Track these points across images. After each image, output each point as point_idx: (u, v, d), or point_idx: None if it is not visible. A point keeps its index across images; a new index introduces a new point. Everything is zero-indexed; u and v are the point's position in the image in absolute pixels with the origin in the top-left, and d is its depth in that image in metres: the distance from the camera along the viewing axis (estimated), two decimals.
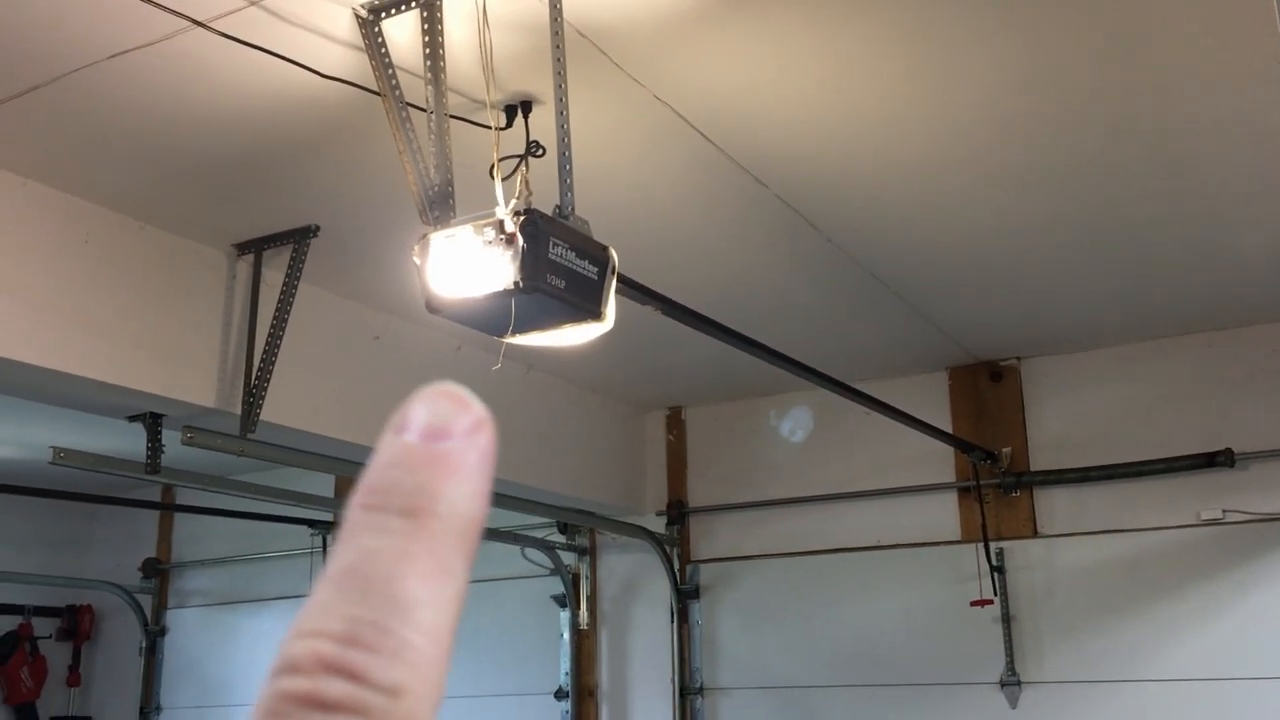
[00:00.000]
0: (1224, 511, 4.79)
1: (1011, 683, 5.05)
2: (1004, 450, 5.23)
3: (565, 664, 6.06)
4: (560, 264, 2.27)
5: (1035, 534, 5.17)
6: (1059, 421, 5.23)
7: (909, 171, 3.46)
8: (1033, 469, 5.21)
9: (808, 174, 3.44)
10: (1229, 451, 4.77)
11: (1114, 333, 5.04)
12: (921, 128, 3.20)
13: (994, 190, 3.60)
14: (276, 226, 3.74)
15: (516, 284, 2.21)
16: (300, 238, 3.74)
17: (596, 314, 2.36)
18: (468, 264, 2.28)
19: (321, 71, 2.68)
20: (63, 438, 4.27)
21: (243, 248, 3.86)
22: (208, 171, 3.33)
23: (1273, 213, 3.80)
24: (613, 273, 2.41)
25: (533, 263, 2.20)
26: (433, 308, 2.35)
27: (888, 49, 2.80)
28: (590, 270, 2.34)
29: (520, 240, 2.21)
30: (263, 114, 2.98)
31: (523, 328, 2.35)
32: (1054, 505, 5.17)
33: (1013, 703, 5.04)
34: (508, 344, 2.48)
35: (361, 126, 3.05)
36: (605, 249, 2.41)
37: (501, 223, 2.24)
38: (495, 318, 2.33)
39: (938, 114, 3.12)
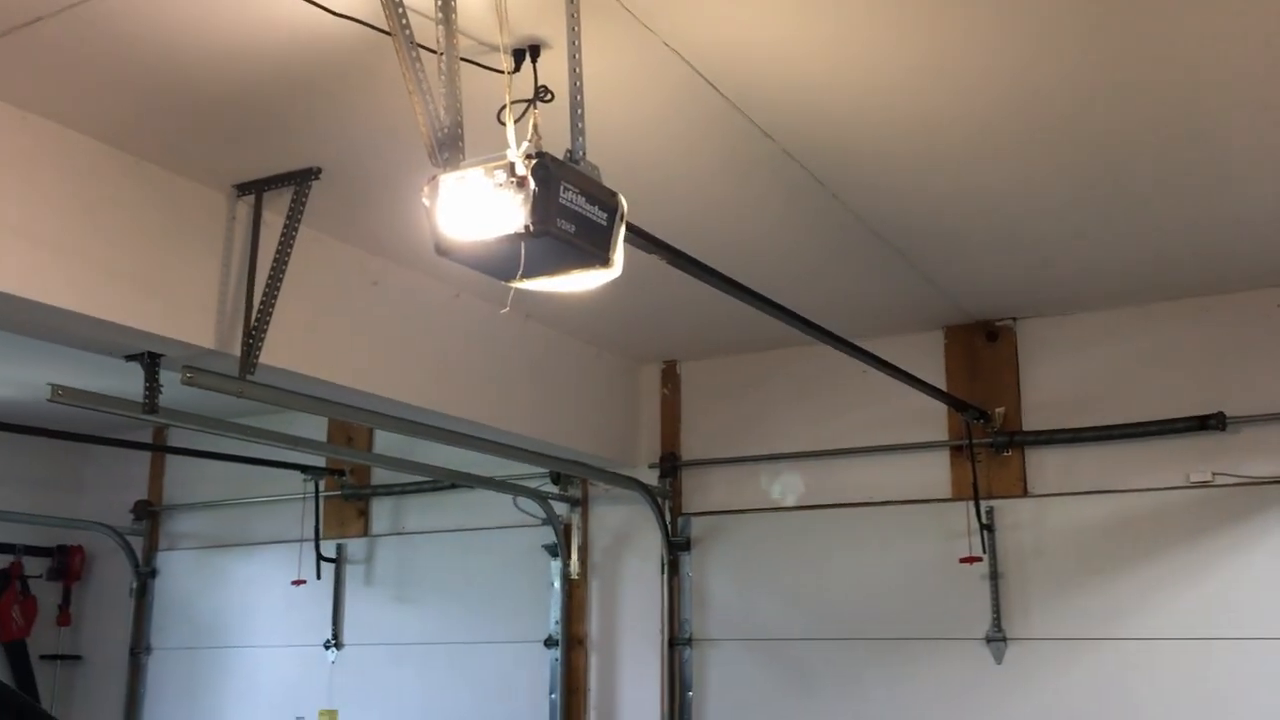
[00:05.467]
0: (1213, 474, 4.84)
1: (997, 638, 5.11)
2: (997, 410, 5.26)
3: (555, 613, 6.11)
4: (570, 209, 2.26)
5: (1025, 493, 5.22)
6: (1052, 382, 5.26)
7: (915, 129, 3.45)
8: (1025, 429, 5.24)
9: (814, 129, 3.43)
10: (1220, 415, 4.81)
11: (1110, 296, 5.06)
12: (929, 86, 3.18)
13: (997, 150, 3.59)
14: (278, 168, 3.71)
15: (527, 227, 2.21)
16: (302, 180, 3.72)
17: (605, 260, 2.36)
18: (477, 206, 2.27)
19: (331, 9, 2.65)
20: (56, 377, 4.24)
21: (243, 189, 3.83)
22: (210, 110, 3.30)
23: (1270, 177, 3.80)
24: (621, 219, 2.41)
25: (543, 206, 2.20)
26: (441, 250, 2.35)
27: (896, 4, 2.78)
28: (600, 216, 2.34)
29: (531, 183, 2.20)
30: (268, 52, 2.95)
31: (531, 272, 2.35)
32: (1045, 465, 5.21)
33: (998, 658, 5.11)
34: (514, 289, 2.48)
35: (367, 68, 3.02)
36: (615, 195, 2.40)
37: (512, 165, 2.23)
38: (504, 261, 2.32)
39: (945, 73, 3.11)
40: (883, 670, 5.35)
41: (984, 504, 5.20)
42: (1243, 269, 4.71)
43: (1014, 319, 5.37)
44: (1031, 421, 5.25)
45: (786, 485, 5.71)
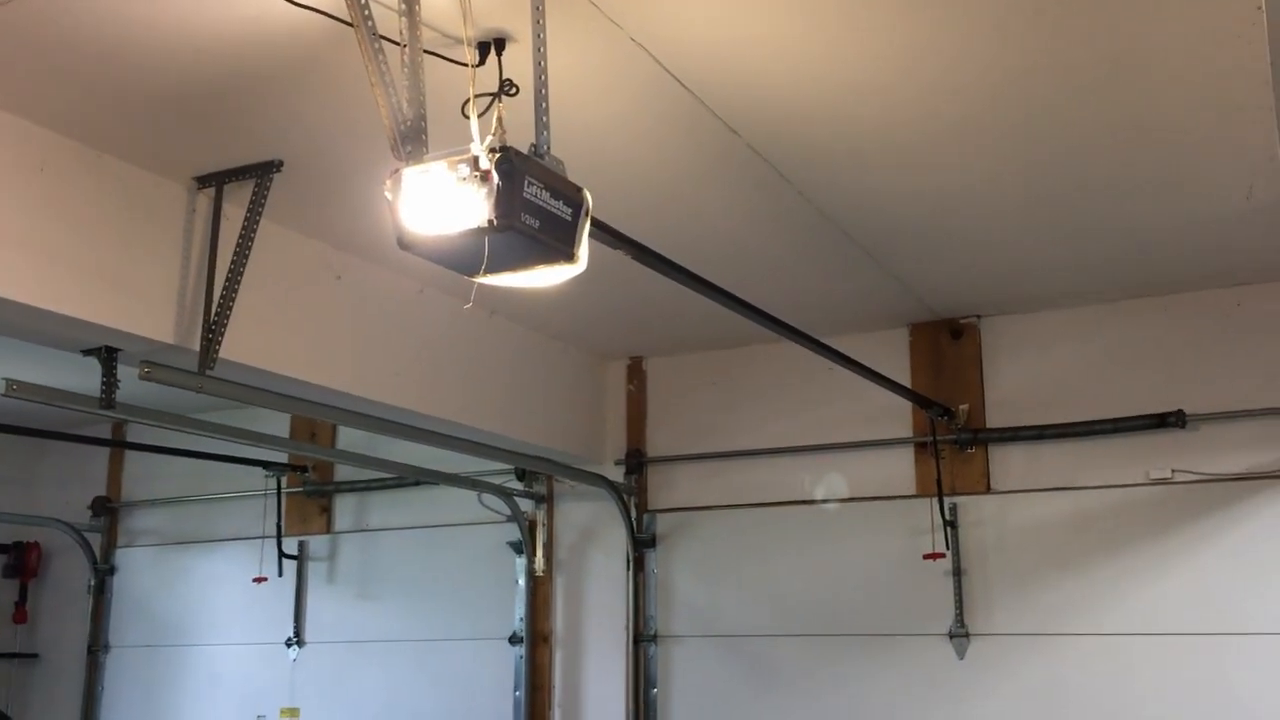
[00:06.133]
0: (1173, 471, 4.89)
1: (960, 634, 5.14)
2: (961, 407, 5.29)
3: (520, 610, 6.09)
4: (535, 203, 2.24)
5: (988, 490, 5.25)
6: (1016, 380, 5.30)
7: (880, 127, 3.45)
8: (988, 426, 5.28)
9: (780, 125, 3.43)
10: (1180, 413, 4.86)
11: (1073, 293, 5.10)
12: (894, 85, 3.19)
13: (962, 149, 3.60)
14: (239, 160, 3.66)
15: (490, 222, 2.18)
16: (263, 172, 3.67)
17: (569, 255, 2.35)
18: (441, 201, 2.25)
19: None
20: (11, 371, 4.17)
21: (203, 181, 3.78)
22: (169, 101, 3.25)
23: (1233, 178, 3.84)
24: (586, 214, 2.39)
25: (507, 201, 2.18)
26: (404, 244, 2.32)
27: (863, 6, 2.77)
28: (564, 211, 2.32)
29: (495, 178, 2.18)
30: (228, 43, 2.91)
31: (495, 267, 2.33)
32: (1008, 462, 5.25)
33: (960, 653, 5.14)
34: (478, 284, 2.46)
35: (330, 60, 2.99)
36: (580, 190, 2.38)
37: (476, 159, 2.21)
38: (467, 256, 2.30)
39: (910, 72, 3.11)
40: (846, 666, 5.37)
41: (948, 500, 5.23)
42: (1204, 268, 4.76)
43: (978, 317, 5.40)
44: (995, 419, 5.29)
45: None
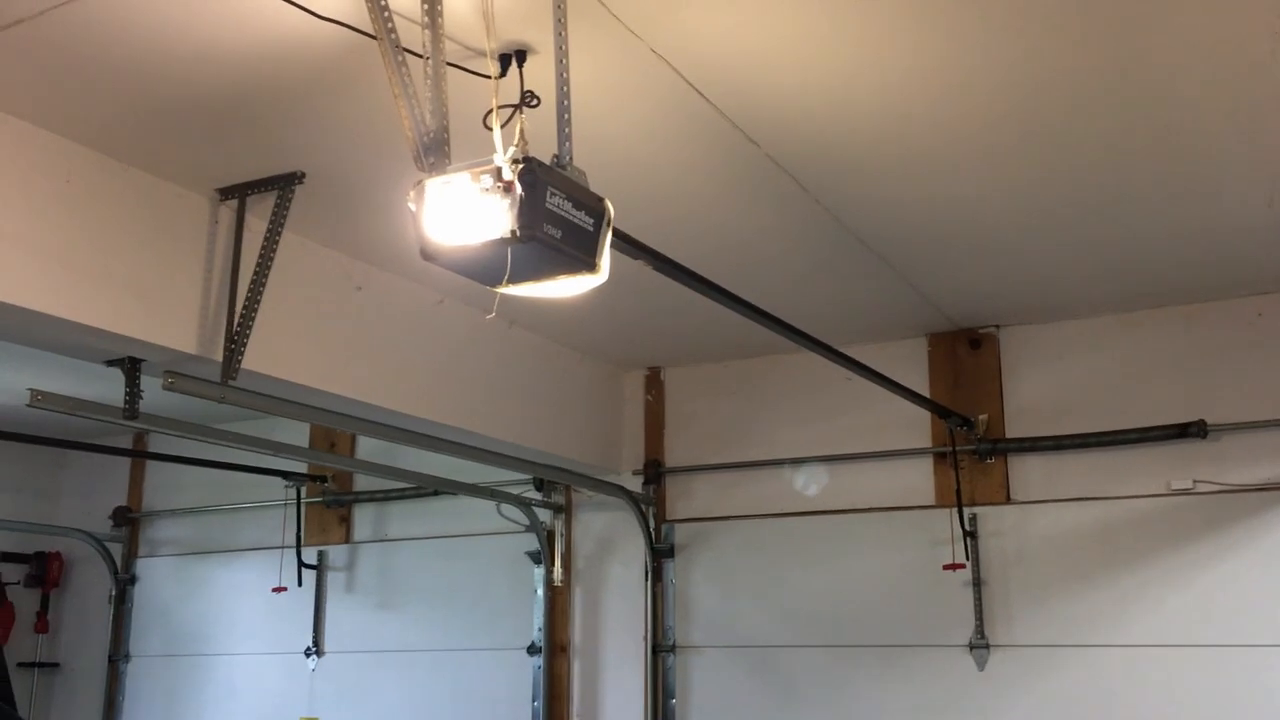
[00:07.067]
0: (1194, 482, 4.86)
1: (980, 646, 5.12)
2: (980, 417, 5.28)
3: (539, 620, 6.09)
4: (557, 214, 2.25)
5: (1008, 500, 5.23)
6: (1035, 390, 5.28)
7: (899, 136, 3.45)
8: (1008, 436, 5.26)
9: (800, 135, 3.43)
10: (1201, 423, 4.84)
11: (1092, 304, 5.08)
12: (914, 94, 3.19)
13: (982, 158, 3.60)
14: (261, 172, 3.69)
15: (513, 233, 2.20)
16: (285, 184, 3.69)
17: (591, 265, 2.36)
18: (464, 211, 2.26)
19: (316, 12, 2.64)
20: (35, 382, 4.21)
21: (226, 193, 3.81)
22: (193, 113, 3.28)
23: (1254, 187, 3.83)
24: (608, 225, 2.41)
25: (530, 211, 2.19)
26: (427, 255, 2.33)
27: (881, 12, 2.78)
28: (586, 221, 2.33)
29: (518, 188, 2.19)
30: (252, 55, 2.94)
31: (517, 278, 2.34)
32: (1027, 472, 5.23)
33: (980, 665, 5.12)
34: (500, 294, 2.47)
35: (352, 72, 3.01)
36: (601, 200, 2.40)
37: (499, 170, 2.22)
38: (490, 267, 2.31)
39: (929, 82, 3.12)
40: (866, 678, 5.35)
41: (967, 511, 5.21)
42: (1224, 278, 4.74)
43: (997, 326, 5.39)
44: (1014, 429, 5.27)
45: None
